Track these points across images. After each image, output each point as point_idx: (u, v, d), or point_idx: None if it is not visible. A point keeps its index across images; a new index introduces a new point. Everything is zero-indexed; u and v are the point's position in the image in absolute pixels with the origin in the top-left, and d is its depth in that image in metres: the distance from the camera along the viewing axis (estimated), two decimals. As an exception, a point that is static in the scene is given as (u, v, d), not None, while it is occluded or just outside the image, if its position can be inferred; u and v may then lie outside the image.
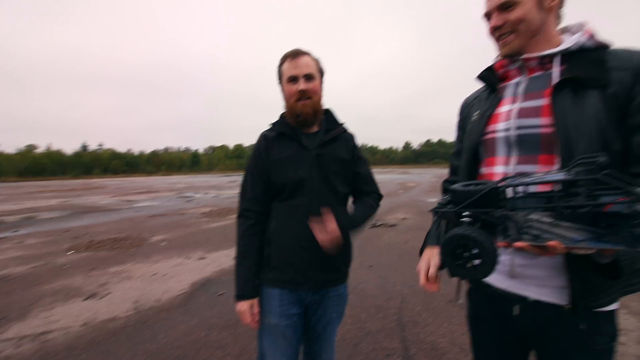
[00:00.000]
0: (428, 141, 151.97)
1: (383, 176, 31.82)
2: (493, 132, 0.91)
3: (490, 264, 0.64)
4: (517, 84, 0.90)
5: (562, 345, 0.83)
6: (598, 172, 0.56)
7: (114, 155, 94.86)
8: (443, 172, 45.49)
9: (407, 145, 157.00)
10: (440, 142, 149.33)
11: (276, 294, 1.21)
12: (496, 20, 0.87)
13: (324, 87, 1.29)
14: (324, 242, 1.11)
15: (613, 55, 0.78)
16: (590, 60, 0.79)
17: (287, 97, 1.24)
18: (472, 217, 0.69)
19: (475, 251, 0.64)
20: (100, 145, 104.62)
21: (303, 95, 1.20)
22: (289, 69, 1.20)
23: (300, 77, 1.19)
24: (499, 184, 0.66)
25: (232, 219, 8.05)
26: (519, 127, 0.85)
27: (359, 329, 2.58)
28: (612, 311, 0.82)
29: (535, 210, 0.62)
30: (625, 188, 0.53)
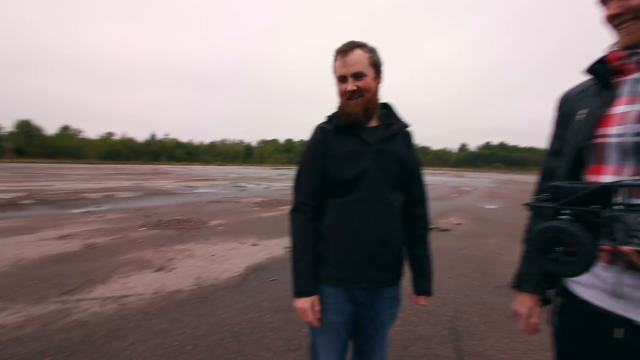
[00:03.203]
0: (488, 143, 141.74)
1: (435, 178, 30.45)
2: (604, 136, 0.81)
3: (585, 263, 0.60)
4: (637, 81, 0.79)
5: None
6: None
7: (177, 145, 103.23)
8: (504, 177, 42.12)
9: (463, 147, 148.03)
10: (502, 145, 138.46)
11: (331, 291, 1.19)
12: (614, 7, 0.77)
13: (380, 81, 1.22)
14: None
15: None
16: None
17: (340, 95, 1.20)
18: (573, 215, 0.64)
19: (570, 248, 0.61)
20: (166, 135, 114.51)
21: (353, 95, 1.15)
22: (339, 67, 1.16)
23: (348, 77, 1.14)
24: (611, 183, 0.61)
25: (281, 210, 8.33)
26: (639, 133, 0.74)
27: (410, 332, 2.52)
28: None
29: None
30: None
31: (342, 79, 1.16)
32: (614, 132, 0.79)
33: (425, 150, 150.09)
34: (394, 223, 1.21)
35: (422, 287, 1.26)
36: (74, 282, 3.30)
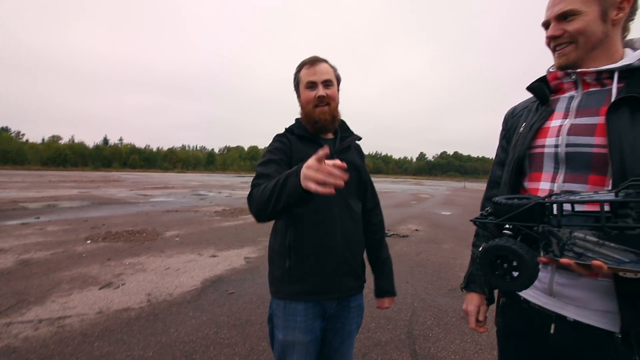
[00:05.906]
0: (443, 153, 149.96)
1: (396, 186, 31.57)
2: (541, 146, 0.89)
3: (528, 277, 0.64)
4: (571, 99, 0.88)
5: None
6: None
7: (132, 150, 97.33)
8: (457, 185, 44.71)
9: (421, 156, 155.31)
10: (456, 155, 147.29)
11: (301, 308, 1.15)
12: (554, 29, 0.84)
13: (339, 95, 1.29)
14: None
15: None
16: None
17: (305, 103, 1.22)
18: (514, 230, 0.70)
19: (514, 263, 0.65)
20: (120, 139, 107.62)
21: (321, 101, 1.19)
22: (307, 75, 1.20)
23: (319, 83, 1.19)
24: (545, 200, 0.67)
25: (243, 220, 8.13)
26: (570, 145, 0.82)
27: (368, 339, 2.56)
28: None
29: (581, 229, 0.61)
30: None
31: (311, 86, 1.20)
32: (549, 143, 0.87)
33: (387, 158, 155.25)
34: (357, 228, 1.26)
35: (386, 288, 1.32)
36: (2, 304, 2.95)
